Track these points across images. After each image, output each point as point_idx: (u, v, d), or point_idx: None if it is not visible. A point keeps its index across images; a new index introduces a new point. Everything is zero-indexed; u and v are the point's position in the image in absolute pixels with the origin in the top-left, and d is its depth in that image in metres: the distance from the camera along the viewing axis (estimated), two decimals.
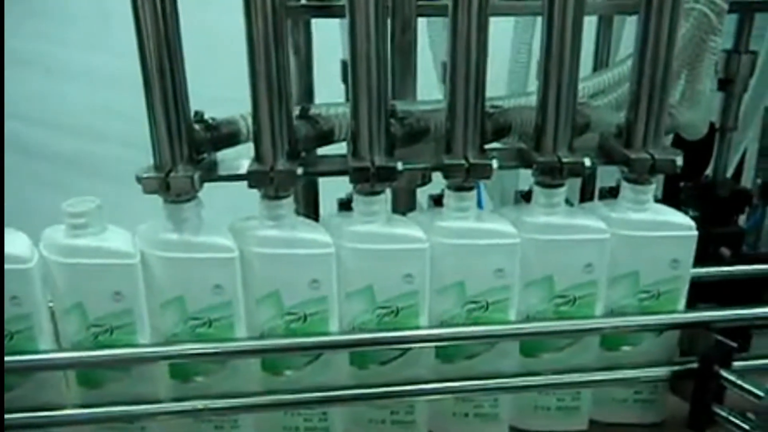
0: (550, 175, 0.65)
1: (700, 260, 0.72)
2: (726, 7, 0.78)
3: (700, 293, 0.81)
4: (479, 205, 0.90)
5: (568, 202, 0.98)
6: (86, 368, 0.66)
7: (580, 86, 0.79)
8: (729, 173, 1.11)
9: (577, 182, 0.93)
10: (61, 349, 0.65)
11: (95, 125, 1.59)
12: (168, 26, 0.59)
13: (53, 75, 1.56)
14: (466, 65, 0.63)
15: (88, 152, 1.63)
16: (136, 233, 0.65)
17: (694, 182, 1.04)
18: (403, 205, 0.81)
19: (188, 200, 0.63)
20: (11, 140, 1.45)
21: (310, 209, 0.89)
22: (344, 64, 0.80)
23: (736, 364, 0.70)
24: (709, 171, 1.03)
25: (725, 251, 0.87)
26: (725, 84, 1.00)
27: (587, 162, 0.64)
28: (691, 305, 0.73)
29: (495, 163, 0.64)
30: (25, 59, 1.51)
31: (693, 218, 0.69)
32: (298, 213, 0.72)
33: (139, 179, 0.62)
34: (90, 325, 0.64)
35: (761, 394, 0.63)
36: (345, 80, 0.82)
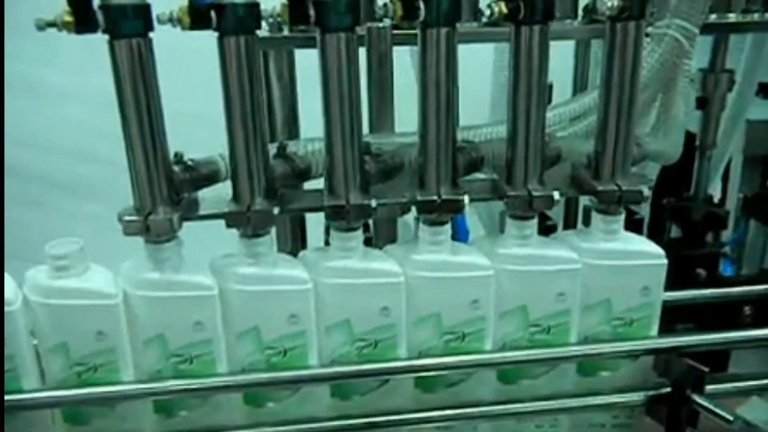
0: (521, 209, 0.67)
1: (678, 281, 0.73)
2: (697, 31, 0.80)
3: (680, 314, 0.83)
4: (463, 230, 0.92)
5: (548, 225, 1.00)
6: (71, 406, 0.67)
7: (555, 112, 0.81)
8: (716, 187, 1.12)
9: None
10: (46, 388, 0.66)
11: (86, 147, 1.60)
12: (145, 74, 0.61)
13: (41, 97, 1.57)
14: (436, 104, 0.64)
15: (80, 174, 1.64)
16: (119, 272, 0.67)
17: (676, 199, 1.06)
18: (385, 236, 0.83)
19: (168, 240, 0.65)
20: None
21: (297, 232, 0.91)
22: None
23: (711, 387, 0.71)
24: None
25: (701, 272, 0.89)
26: (703, 103, 1.02)
27: (556, 195, 0.66)
28: (670, 326, 0.75)
29: (466, 199, 0.66)
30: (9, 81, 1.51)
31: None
32: (283, 239, 0.72)
33: (120, 220, 0.63)
34: (74, 363, 0.66)
35: (731, 418, 0.65)
36: None
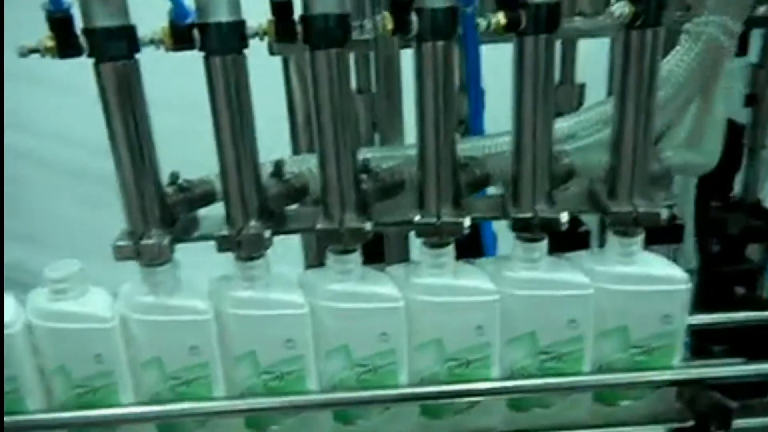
0: (528, 231, 0.63)
1: (712, 300, 0.68)
2: (739, 29, 0.73)
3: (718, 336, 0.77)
4: (490, 235, 0.88)
5: (581, 231, 0.94)
6: (70, 429, 0.67)
7: (584, 117, 0.75)
8: None
9: None
10: (44, 410, 0.67)
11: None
12: (133, 96, 0.59)
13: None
14: (434, 121, 0.61)
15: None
16: (117, 294, 0.66)
17: (721, 203, 0.99)
18: (396, 252, 0.80)
19: (162, 264, 0.64)
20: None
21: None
22: None
23: (741, 421, 0.66)
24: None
25: (739, 290, 0.82)
26: (752, 100, 0.94)
27: (564, 217, 0.61)
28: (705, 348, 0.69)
29: (467, 221, 0.62)
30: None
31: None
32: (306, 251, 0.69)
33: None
34: (74, 385, 0.66)
35: None
36: None
